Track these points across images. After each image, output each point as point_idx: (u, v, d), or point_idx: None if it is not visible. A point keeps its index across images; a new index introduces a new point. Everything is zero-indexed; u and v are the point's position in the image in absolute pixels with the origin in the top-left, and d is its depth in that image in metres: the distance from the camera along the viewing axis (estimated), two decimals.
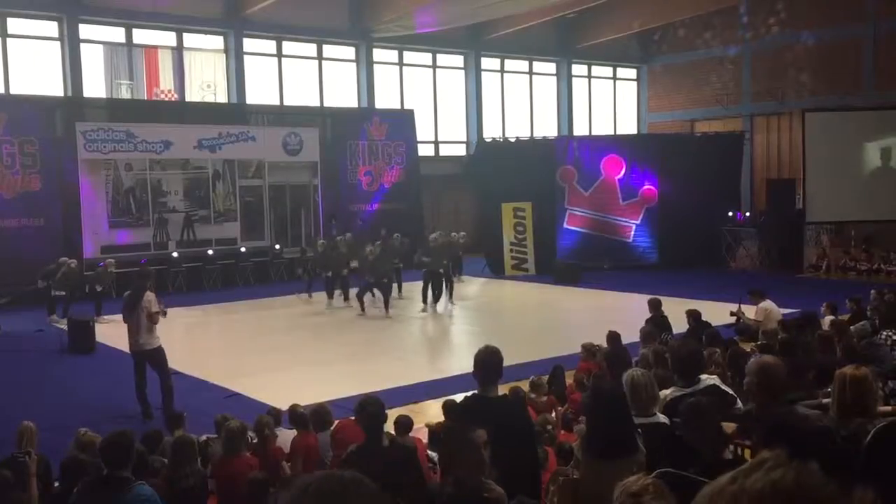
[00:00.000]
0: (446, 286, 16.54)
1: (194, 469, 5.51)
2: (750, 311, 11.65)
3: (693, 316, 10.78)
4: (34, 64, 20.22)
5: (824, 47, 24.87)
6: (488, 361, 4.43)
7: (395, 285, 17.31)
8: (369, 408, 4.38)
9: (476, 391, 4.48)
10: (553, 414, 7.84)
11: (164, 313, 9.62)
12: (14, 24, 19.91)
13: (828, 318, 10.28)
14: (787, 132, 26.74)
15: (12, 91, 19.55)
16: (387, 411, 4.94)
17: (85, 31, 20.59)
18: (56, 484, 5.81)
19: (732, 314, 11.93)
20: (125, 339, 9.55)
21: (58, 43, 20.42)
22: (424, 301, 16.28)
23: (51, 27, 20.38)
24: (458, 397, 8.46)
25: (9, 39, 19.83)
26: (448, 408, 7.04)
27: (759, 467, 1.28)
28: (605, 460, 4.34)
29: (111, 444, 4.30)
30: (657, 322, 10.45)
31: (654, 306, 11.12)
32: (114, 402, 9.87)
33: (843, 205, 21.30)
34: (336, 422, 7.10)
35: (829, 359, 7.55)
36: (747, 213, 23.35)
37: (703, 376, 5.11)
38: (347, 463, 4.54)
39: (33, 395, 10.67)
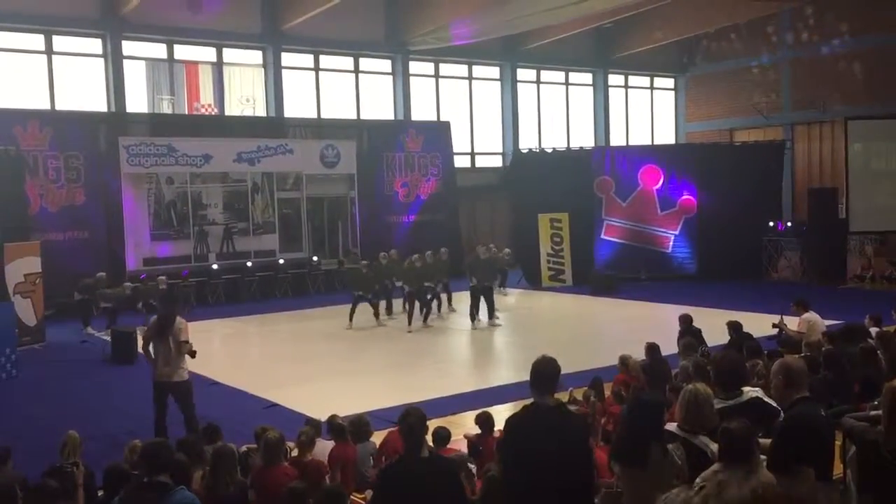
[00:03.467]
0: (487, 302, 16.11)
1: (234, 478, 5.56)
2: (792, 323, 11.44)
3: (734, 328, 10.61)
4: (79, 80, 20.65)
5: (866, 54, 24.46)
6: (544, 371, 4.42)
7: (441, 297, 17.28)
8: (409, 419, 4.38)
9: (532, 400, 4.45)
10: None
11: (193, 353, 8.61)
12: (59, 42, 20.36)
13: (872, 330, 10.06)
14: (829, 141, 26.31)
15: (58, 107, 19.98)
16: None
17: (127, 47, 20.99)
18: (100, 493, 5.90)
19: (774, 326, 11.71)
20: None
21: (101, 59, 20.84)
22: (472, 319, 15.86)
23: (95, 44, 20.82)
24: (497, 409, 8.45)
25: (54, 57, 20.29)
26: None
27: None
28: (635, 468, 4.30)
29: (150, 450, 4.46)
30: (695, 337, 10.28)
31: (685, 322, 10.90)
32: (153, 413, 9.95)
33: (887, 214, 20.86)
34: (386, 432, 7.15)
35: (875, 371, 7.40)
36: (788, 223, 22.97)
37: (746, 389, 5.01)
38: (384, 474, 4.54)
39: (77, 404, 10.85)
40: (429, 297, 16.41)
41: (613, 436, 4.51)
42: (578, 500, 3.85)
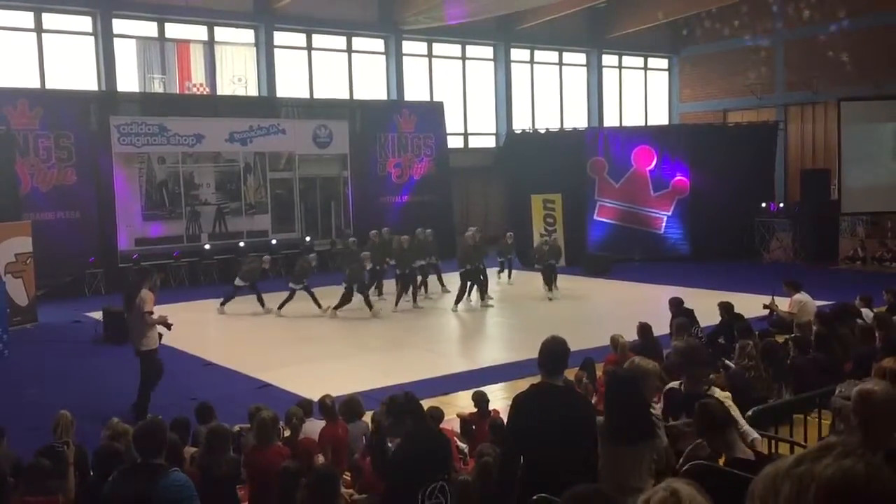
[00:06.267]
0: (480, 285, 16.18)
1: (228, 458, 5.57)
2: (784, 304, 11.48)
3: (725, 308, 10.64)
4: (69, 59, 20.48)
5: (859, 34, 24.41)
6: (554, 351, 4.45)
7: (430, 278, 17.28)
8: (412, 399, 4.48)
9: (541, 379, 4.50)
10: None
11: (169, 326, 9.17)
12: (49, 20, 20.17)
13: (865, 311, 10.12)
14: (822, 122, 26.33)
15: (48, 86, 19.82)
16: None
17: (118, 25, 20.81)
18: (91, 473, 5.91)
19: (766, 307, 11.74)
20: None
21: (92, 38, 20.66)
22: (456, 302, 15.75)
23: (85, 22, 20.63)
24: (489, 389, 8.48)
25: (44, 35, 20.11)
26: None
27: (827, 452, 1.24)
28: (621, 446, 4.33)
29: (144, 432, 4.43)
30: (688, 317, 10.29)
31: (676, 305, 10.87)
32: None
33: (879, 195, 20.91)
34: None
35: (868, 350, 7.45)
36: (781, 204, 23.02)
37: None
38: (401, 446, 4.60)
39: (69, 384, 10.84)
40: (418, 277, 16.46)
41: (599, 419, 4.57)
42: (582, 481, 3.88)
